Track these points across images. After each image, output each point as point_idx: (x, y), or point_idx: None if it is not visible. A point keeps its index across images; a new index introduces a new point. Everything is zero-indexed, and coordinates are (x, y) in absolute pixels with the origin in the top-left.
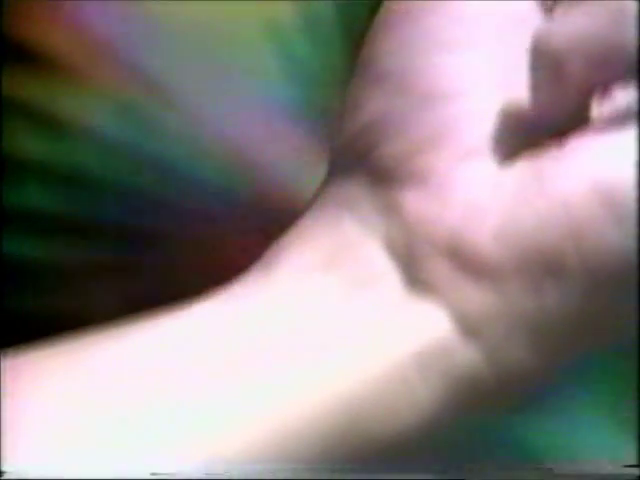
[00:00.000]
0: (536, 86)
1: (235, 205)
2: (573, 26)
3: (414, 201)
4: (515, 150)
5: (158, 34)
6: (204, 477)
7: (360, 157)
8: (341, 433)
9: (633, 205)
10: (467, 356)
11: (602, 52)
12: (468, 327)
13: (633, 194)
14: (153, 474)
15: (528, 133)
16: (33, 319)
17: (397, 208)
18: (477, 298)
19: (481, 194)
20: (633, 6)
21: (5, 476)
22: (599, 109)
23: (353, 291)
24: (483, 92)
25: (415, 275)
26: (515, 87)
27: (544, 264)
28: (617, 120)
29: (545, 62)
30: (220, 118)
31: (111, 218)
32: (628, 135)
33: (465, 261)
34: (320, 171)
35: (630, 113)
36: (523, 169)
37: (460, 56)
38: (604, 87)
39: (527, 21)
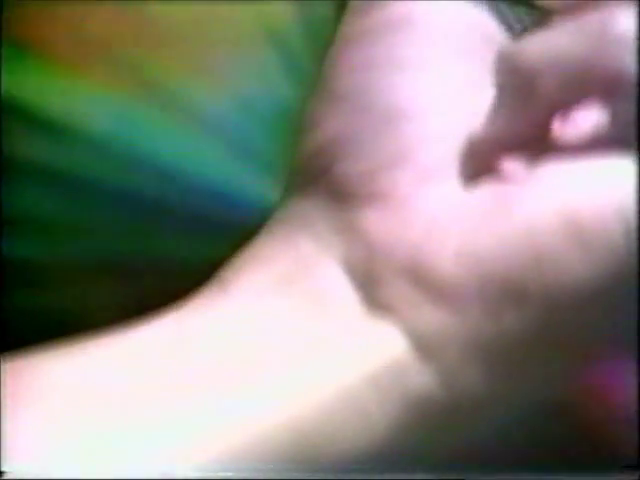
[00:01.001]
0: (504, 103)
1: (236, 205)
2: (549, 44)
3: (374, 221)
4: (479, 171)
5: (158, 35)
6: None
7: (319, 175)
8: (292, 456)
9: (599, 235)
10: (422, 378)
11: (577, 73)
12: (424, 349)
13: (600, 224)
14: (152, 474)
15: (492, 153)
16: (33, 319)
17: (356, 228)
18: (435, 320)
19: (443, 215)
20: (615, 30)
21: (5, 476)
22: (563, 131)
23: (309, 311)
24: (444, 112)
25: (373, 295)
26: (478, 106)
27: (505, 289)
28: (586, 145)
29: (517, 79)
30: (220, 119)
31: (109, 219)
32: (597, 163)
33: (424, 282)
34: None
35: (598, 138)
36: (487, 191)
37: (421, 76)
38: (567, 108)
39: (490, 40)
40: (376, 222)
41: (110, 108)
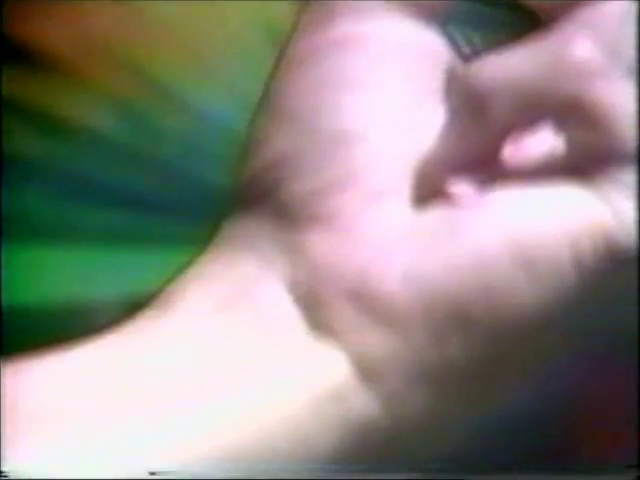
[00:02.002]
0: (456, 124)
1: None
2: (505, 66)
3: (320, 242)
4: (428, 194)
5: (158, 35)
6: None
7: (265, 195)
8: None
9: (548, 264)
10: (364, 402)
11: (531, 96)
12: (368, 373)
13: (549, 253)
14: (153, 474)
15: (441, 175)
16: (34, 319)
17: (302, 249)
18: (379, 344)
19: (390, 238)
20: (573, 56)
21: (5, 476)
22: (515, 155)
23: (252, 333)
24: (393, 133)
25: (318, 318)
26: (427, 128)
27: (451, 315)
28: (538, 171)
29: (470, 99)
30: (220, 118)
31: (112, 219)
32: (548, 190)
33: (370, 305)
34: None
35: (550, 164)
36: (436, 215)
37: (370, 97)
38: (519, 132)
39: (439, 62)
40: (322, 244)
41: (110, 107)
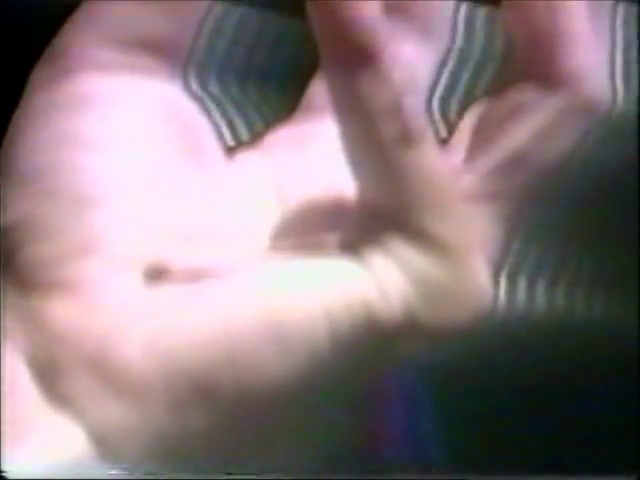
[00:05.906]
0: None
1: None
2: None
3: (59, 310)
4: (173, 260)
5: None
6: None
7: (2, 260)
8: None
9: (300, 338)
10: (101, 477)
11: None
12: (105, 447)
13: (300, 323)
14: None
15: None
16: None
17: (40, 316)
18: (116, 415)
19: (132, 306)
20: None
21: (5, 476)
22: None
23: None
24: (137, 197)
25: (55, 389)
26: (174, 190)
27: (193, 386)
28: (301, 241)
29: None
30: None
31: None
32: (307, 263)
33: (108, 375)
34: None
35: (313, 233)
36: (183, 284)
37: (110, 158)
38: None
39: (186, 122)
40: (61, 311)
41: None
